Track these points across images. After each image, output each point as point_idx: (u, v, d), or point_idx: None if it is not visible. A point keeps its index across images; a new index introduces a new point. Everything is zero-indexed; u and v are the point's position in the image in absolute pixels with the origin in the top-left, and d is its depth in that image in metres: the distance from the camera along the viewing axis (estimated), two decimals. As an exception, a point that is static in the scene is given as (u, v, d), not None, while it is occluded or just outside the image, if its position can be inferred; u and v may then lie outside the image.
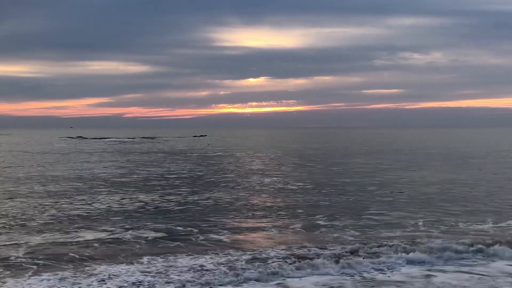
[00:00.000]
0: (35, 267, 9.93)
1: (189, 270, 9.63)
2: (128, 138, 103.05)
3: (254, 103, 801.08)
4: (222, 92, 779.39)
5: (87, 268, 9.83)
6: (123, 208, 16.95)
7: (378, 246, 11.31)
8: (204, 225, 14.08)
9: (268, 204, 17.77)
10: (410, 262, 10.26)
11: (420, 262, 10.28)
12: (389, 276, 9.40)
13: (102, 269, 9.72)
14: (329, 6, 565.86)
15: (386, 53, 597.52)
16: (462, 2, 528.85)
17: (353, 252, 10.86)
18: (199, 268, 9.73)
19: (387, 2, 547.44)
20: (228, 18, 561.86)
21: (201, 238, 12.48)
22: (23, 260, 10.43)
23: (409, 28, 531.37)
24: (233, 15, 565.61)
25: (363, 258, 10.33)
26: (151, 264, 10.11)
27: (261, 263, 10.04)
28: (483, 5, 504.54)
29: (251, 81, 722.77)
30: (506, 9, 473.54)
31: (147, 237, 12.63)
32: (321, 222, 14.44)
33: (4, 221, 14.53)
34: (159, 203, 18.02)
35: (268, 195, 20.22)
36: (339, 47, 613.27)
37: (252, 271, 9.53)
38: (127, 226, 13.81)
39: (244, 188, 22.43)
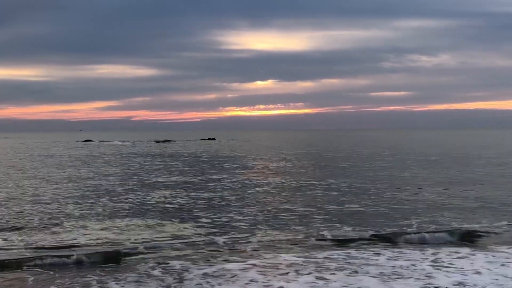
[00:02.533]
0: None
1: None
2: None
3: (261, 106, 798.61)
4: (229, 95, 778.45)
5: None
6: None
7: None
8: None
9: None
10: None
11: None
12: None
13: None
14: (336, 9, 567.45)
15: (393, 55, 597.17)
16: (469, 3, 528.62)
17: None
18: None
19: (393, 4, 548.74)
20: (235, 21, 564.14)
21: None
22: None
23: (416, 30, 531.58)
24: (241, 18, 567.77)
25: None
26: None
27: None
28: (491, 7, 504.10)
29: (259, 84, 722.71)
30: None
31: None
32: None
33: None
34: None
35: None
36: (346, 49, 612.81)
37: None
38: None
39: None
